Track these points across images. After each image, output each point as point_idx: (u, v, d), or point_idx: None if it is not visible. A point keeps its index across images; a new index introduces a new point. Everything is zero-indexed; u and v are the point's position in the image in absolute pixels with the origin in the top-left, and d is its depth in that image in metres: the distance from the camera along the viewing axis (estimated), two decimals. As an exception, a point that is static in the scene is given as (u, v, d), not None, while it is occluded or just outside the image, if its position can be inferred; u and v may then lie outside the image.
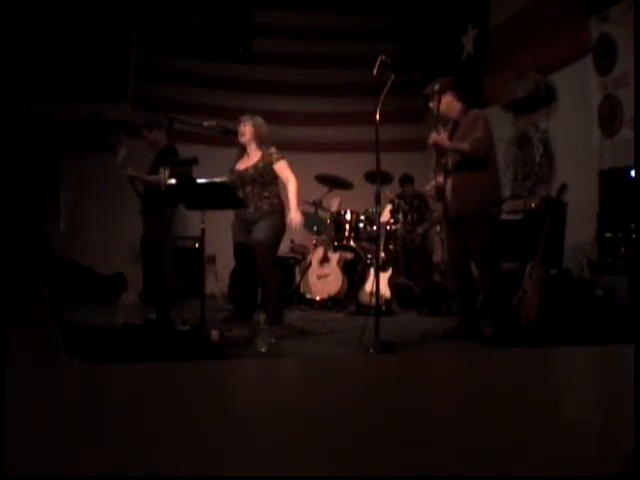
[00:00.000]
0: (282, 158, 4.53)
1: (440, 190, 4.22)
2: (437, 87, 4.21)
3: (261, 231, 4.45)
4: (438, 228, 6.49)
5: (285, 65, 7.94)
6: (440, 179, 4.21)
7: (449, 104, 4.22)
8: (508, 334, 3.99)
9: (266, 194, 4.51)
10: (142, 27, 7.53)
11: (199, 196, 4.15)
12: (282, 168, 4.52)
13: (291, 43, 7.98)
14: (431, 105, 4.26)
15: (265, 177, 4.50)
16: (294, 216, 4.45)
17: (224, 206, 4.45)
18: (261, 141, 4.59)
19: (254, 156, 4.57)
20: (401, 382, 1.94)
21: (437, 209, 4.47)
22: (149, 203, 5.32)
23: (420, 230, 6.41)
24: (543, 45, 5.99)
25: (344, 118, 7.81)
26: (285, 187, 4.57)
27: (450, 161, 4.16)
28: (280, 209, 4.56)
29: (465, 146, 4.03)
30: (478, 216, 4.05)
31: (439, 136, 4.17)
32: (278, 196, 4.59)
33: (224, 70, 7.86)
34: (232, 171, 4.61)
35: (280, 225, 4.54)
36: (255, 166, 4.51)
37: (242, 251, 4.56)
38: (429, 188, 4.36)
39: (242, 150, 4.67)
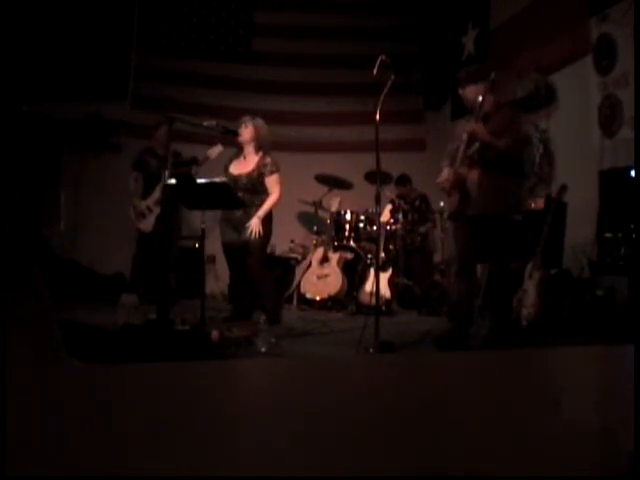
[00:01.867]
0: (276, 172, 4.54)
1: (460, 182, 3.90)
2: (465, 74, 4.01)
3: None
4: (440, 229, 6.51)
5: (285, 65, 7.93)
6: (463, 170, 3.90)
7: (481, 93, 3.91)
8: (507, 333, 3.99)
9: (257, 202, 4.52)
10: (142, 27, 7.53)
11: (199, 196, 4.16)
12: (272, 182, 4.54)
13: (291, 43, 7.97)
14: (460, 92, 4.04)
15: (257, 187, 4.53)
16: (254, 222, 4.44)
17: (224, 206, 4.46)
18: (260, 144, 4.59)
19: (250, 161, 4.58)
20: (401, 382, 1.94)
21: (450, 202, 4.11)
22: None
23: (422, 229, 6.40)
24: (543, 45, 5.99)
25: (344, 118, 7.79)
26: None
27: (478, 154, 3.86)
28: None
29: (502, 144, 3.78)
30: (504, 217, 3.89)
31: (478, 126, 3.84)
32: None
33: (224, 70, 7.85)
34: (226, 171, 4.62)
35: (268, 226, 4.55)
36: (249, 175, 4.53)
37: (232, 251, 4.59)
38: (441, 181, 3.98)
39: (239, 150, 4.67)
